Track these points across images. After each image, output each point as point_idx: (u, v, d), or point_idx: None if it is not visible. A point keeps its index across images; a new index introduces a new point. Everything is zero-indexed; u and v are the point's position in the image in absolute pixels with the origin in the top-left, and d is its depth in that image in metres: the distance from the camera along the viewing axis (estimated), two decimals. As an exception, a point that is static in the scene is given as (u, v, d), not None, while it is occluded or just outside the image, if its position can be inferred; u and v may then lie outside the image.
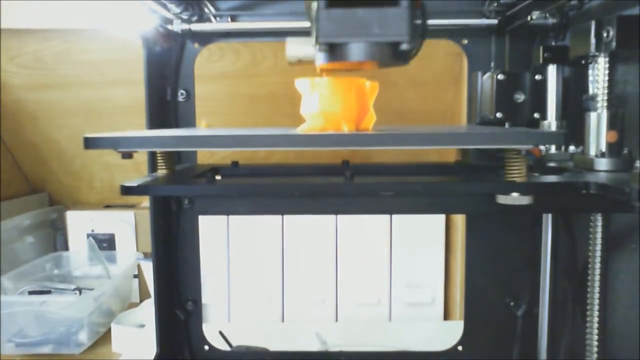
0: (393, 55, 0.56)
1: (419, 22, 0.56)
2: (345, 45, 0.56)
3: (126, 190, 0.64)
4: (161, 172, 0.75)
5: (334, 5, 0.53)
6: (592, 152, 0.77)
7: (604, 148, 0.75)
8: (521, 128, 0.75)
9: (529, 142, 0.62)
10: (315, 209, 0.96)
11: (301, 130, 0.66)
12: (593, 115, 0.77)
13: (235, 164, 0.91)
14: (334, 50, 0.56)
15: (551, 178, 0.72)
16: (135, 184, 0.65)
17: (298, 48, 0.69)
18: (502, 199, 0.66)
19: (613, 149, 0.75)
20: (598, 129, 0.76)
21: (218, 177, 0.77)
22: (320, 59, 0.59)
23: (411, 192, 0.74)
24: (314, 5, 0.53)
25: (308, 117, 0.66)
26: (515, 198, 0.65)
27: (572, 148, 0.83)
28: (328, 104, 0.63)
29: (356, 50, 0.55)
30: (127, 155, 0.59)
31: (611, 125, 0.75)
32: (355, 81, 0.65)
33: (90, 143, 0.59)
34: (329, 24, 0.53)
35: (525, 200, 0.65)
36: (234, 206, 0.77)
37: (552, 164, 0.82)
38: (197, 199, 0.92)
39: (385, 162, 0.96)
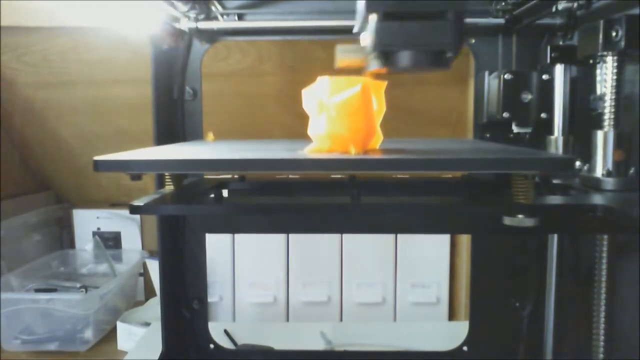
0: (436, 61, 0.61)
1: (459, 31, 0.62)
2: (397, 53, 0.62)
3: (134, 210, 0.65)
4: (168, 188, 0.75)
5: (390, 19, 0.59)
6: (599, 171, 0.77)
7: (610, 167, 0.75)
8: (529, 152, 0.75)
9: (537, 168, 0.62)
10: (321, 228, 0.97)
11: (308, 150, 0.66)
12: (599, 134, 0.77)
13: (242, 178, 0.92)
14: (387, 58, 0.62)
15: (557, 199, 0.72)
16: (142, 203, 0.66)
17: (348, 54, 0.72)
18: (508, 221, 0.66)
19: (620, 168, 0.75)
20: (605, 147, 0.76)
21: (225, 192, 0.77)
22: (374, 65, 0.64)
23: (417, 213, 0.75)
24: (372, 17, 0.59)
25: (315, 138, 0.66)
26: (521, 220, 0.65)
27: (578, 164, 0.83)
28: (335, 126, 0.63)
29: (405, 57, 0.61)
30: (137, 177, 0.60)
31: (618, 143, 0.75)
32: (364, 101, 0.65)
33: (100, 165, 0.59)
34: (384, 34, 0.59)
35: (531, 222, 0.65)
36: (240, 225, 0.78)
37: (557, 181, 0.82)
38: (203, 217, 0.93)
39: (391, 176, 0.96)
